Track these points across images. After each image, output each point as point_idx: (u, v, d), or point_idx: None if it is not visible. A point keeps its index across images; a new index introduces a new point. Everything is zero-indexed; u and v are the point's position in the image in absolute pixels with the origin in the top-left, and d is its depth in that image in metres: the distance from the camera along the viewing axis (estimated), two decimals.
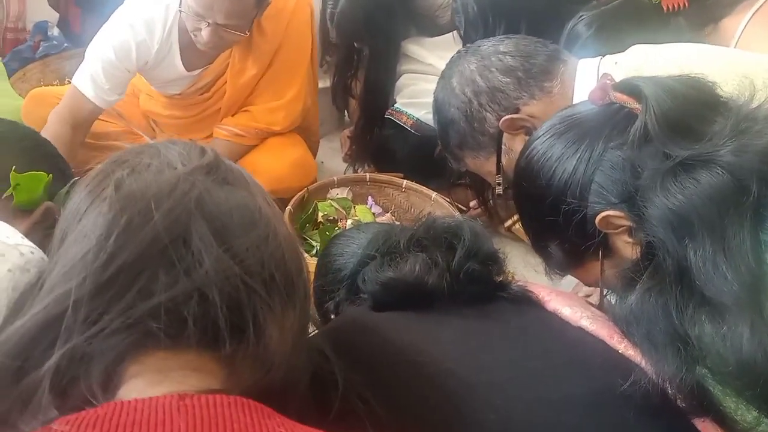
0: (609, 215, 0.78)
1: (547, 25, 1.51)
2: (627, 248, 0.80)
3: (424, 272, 0.80)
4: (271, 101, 1.93)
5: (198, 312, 0.52)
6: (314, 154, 2.19)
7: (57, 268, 0.56)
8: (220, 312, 0.53)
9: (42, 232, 0.88)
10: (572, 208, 0.81)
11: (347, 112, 2.49)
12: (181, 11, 1.65)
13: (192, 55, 1.80)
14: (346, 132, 2.41)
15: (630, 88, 0.80)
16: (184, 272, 0.53)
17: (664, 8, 1.44)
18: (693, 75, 0.80)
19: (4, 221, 0.76)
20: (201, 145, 0.66)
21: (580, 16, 1.47)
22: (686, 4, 1.45)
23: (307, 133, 2.14)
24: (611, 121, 0.81)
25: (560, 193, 0.82)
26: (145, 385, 0.52)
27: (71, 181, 0.95)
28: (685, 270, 0.67)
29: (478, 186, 1.72)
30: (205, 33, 1.62)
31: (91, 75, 1.71)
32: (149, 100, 2.00)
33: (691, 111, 0.75)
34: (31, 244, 0.68)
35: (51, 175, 0.90)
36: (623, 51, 1.19)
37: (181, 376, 0.52)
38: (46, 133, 1.61)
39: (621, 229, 0.79)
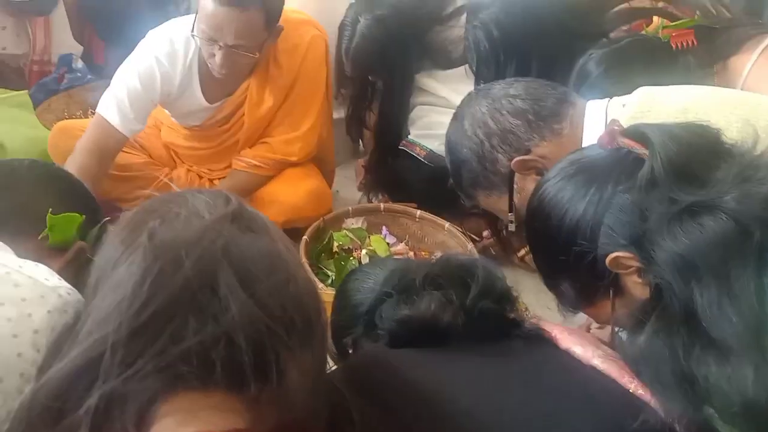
0: (619, 256, 0.81)
1: (557, 63, 1.54)
2: (637, 288, 0.82)
3: (439, 310, 0.83)
4: (287, 133, 1.98)
5: (225, 355, 0.56)
6: (330, 184, 2.23)
7: (94, 314, 0.60)
8: (246, 356, 0.56)
9: (74, 270, 0.93)
10: (583, 248, 0.84)
11: (361, 142, 2.53)
12: (194, 35, 1.71)
13: (212, 86, 1.86)
14: (361, 161, 2.45)
15: (637, 134, 0.83)
16: (212, 317, 0.57)
17: (673, 46, 1.47)
18: (698, 122, 0.84)
19: (39, 260, 0.80)
20: (225, 194, 0.70)
21: (590, 54, 1.50)
22: (695, 43, 1.48)
23: (322, 163, 2.18)
24: (620, 165, 0.84)
25: (571, 234, 0.85)
26: (175, 424, 0.55)
27: (102, 221, 1.00)
28: (691, 312, 0.70)
29: (491, 216, 1.75)
30: (218, 56, 1.68)
31: (117, 103, 1.76)
32: (170, 132, 2.06)
33: (696, 157, 0.78)
34: (68, 285, 0.72)
35: (83, 215, 0.94)
36: (633, 88, 1.22)
37: (209, 416, 0.55)
38: (71, 165, 1.68)
39: (631, 269, 0.81)
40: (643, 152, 0.81)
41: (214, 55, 1.69)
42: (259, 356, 0.57)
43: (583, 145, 1.11)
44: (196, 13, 1.69)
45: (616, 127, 0.86)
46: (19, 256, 0.78)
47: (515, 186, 1.21)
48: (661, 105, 1.07)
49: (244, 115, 1.94)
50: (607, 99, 1.16)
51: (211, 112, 1.93)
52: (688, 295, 0.70)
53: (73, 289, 0.72)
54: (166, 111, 1.97)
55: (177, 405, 0.55)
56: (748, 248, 0.69)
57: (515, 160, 1.18)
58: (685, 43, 1.48)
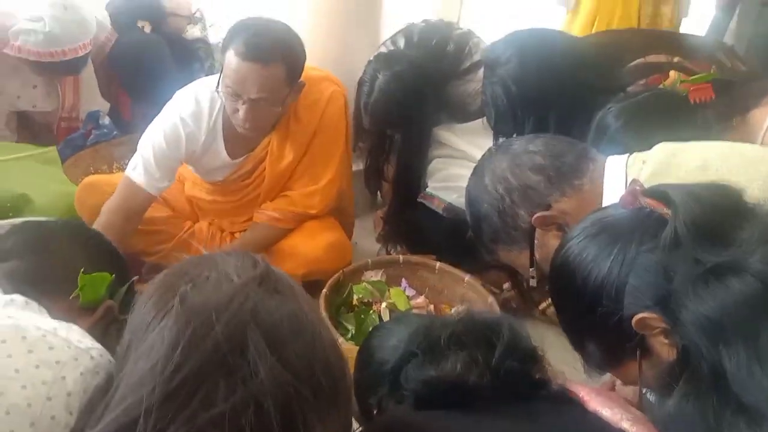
0: (645, 317, 0.81)
1: (575, 117, 1.56)
2: (664, 349, 0.81)
3: (464, 371, 0.83)
4: (307, 186, 2.01)
5: (255, 420, 0.57)
6: (349, 235, 2.25)
7: (127, 378, 0.61)
8: (274, 419, 0.57)
9: (101, 328, 0.94)
10: (609, 309, 0.83)
11: (380, 193, 2.56)
12: (218, 91, 1.77)
13: (235, 143, 1.91)
14: (379, 213, 2.47)
15: (660, 194, 0.84)
16: (241, 382, 0.58)
17: (692, 101, 1.48)
18: (720, 182, 0.84)
19: (70, 319, 0.81)
20: (253, 256, 0.72)
21: (609, 108, 1.51)
22: (713, 97, 1.49)
23: (342, 214, 2.20)
24: (642, 225, 0.85)
25: (596, 294, 0.85)
26: None
27: (130, 281, 1.01)
28: (720, 375, 0.69)
29: (511, 269, 1.74)
30: (241, 111, 1.73)
31: (144, 164, 1.81)
32: (193, 186, 2.10)
33: (719, 218, 0.79)
34: (99, 347, 0.73)
35: (113, 275, 0.96)
36: (652, 142, 1.22)
37: None
38: (99, 224, 1.72)
39: (657, 330, 0.81)
40: (666, 212, 0.82)
41: (238, 110, 1.74)
42: (287, 419, 0.58)
43: (603, 201, 1.11)
44: (221, 71, 1.75)
45: (637, 188, 0.87)
46: (52, 315, 0.80)
47: (536, 241, 1.21)
48: (681, 161, 1.07)
49: (265, 169, 1.98)
50: (626, 155, 1.17)
51: (234, 168, 1.98)
52: (716, 358, 0.70)
53: (104, 350, 0.73)
54: (190, 167, 2.01)
55: None
56: None
57: (536, 215, 1.18)
58: (703, 97, 1.49)
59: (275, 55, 1.69)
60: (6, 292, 0.81)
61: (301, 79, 1.82)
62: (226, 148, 1.91)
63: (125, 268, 1.05)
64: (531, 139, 1.28)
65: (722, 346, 0.70)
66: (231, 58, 1.69)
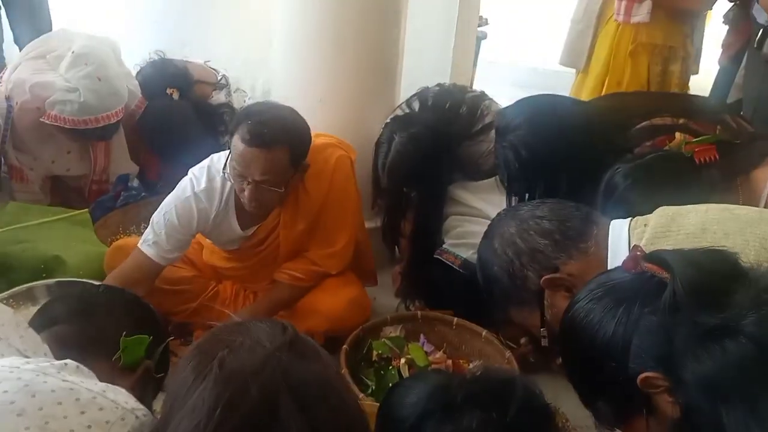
0: (649, 376, 0.86)
1: (585, 178, 1.62)
2: (668, 407, 0.86)
3: (480, 428, 0.88)
4: (324, 248, 2.07)
5: None
6: (371, 281, 2.31)
7: None
8: None
9: (141, 388, 1.00)
10: (615, 368, 0.88)
11: (397, 249, 2.61)
12: (225, 173, 1.85)
13: (246, 216, 1.98)
14: (398, 268, 2.52)
15: (659, 260, 0.90)
16: None
17: (697, 161, 1.53)
18: (716, 248, 0.90)
19: (111, 380, 0.87)
20: (282, 322, 0.78)
21: (617, 169, 1.57)
22: (717, 157, 1.54)
23: (361, 262, 2.26)
24: (644, 288, 0.90)
25: (602, 354, 0.90)
26: None
27: (166, 341, 1.08)
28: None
29: None
30: (247, 191, 1.81)
31: (155, 237, 1.90)
32: (212, 255, 2.18)
33: (716, 282, 0.84)
34: (143, 408, 0.79)
35: (151, 336, 1.03)
36: (658, 201, 1.26)
37: None
38: None
39: (661, 389, 0.86)
40: (666, 276, 0.87)
41: (243, 190, 1.82)
42: None
43: (608, 263, 1.16)
44: (229, 152, 1.85)
45: (638, 253, 0.93)
46: (96, 375, 0.86)
47: (546, 302, 1.25)
48: (680, 225, 1.12)
49: (278, 237, 2.04)
50: (629, 219, 1.23)
51: (246, 238, 2.05)
52: (716, 416, 0.74)
53: (148, 410, 0.79)
54: (206, 237, 2.09)
55: None
56: None
57: (544, 278, 1.23)
58: (708, 158, 1.54)
59: (278, 140, 1.77)
60: (55, 355, 0.88)
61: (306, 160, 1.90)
62: (238, 221, 1.99)
63: (162, 329, 1.12)
64: (538, 204, 1.34)
65: (721, 404, 0.74)
66: (237, 143, 1.78)
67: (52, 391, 0.73)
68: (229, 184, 1.91)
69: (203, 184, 1.92)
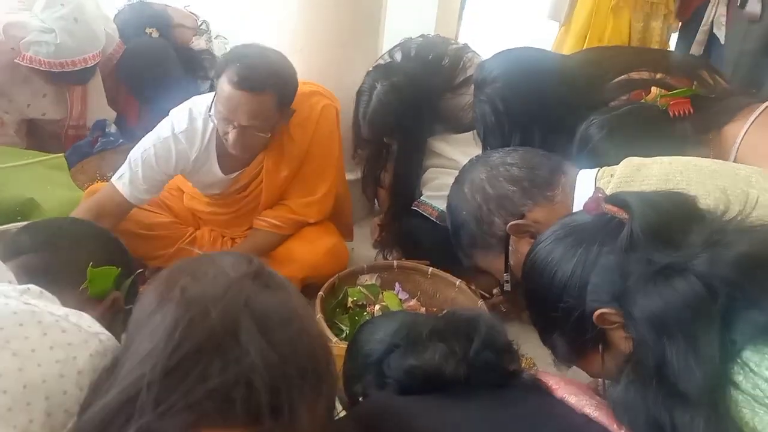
0: (604, 312, 0.88)
1: (559, 131, 1.63)
2: (622, 342, 0.89)
3: (442, 361, 0.91)
4: (304, 197, 2.08)
5: (244, 394, 0.64)
6: (348, 236, 2.32)
7: (132, 358, 0.69)
8: (263, 396, 0.64)
9: (110, 318, 1.02)
10: (572, 305, 0.91)
11: (377, 201, 2.63)
12: (211, 115, 1.83)
13: (228, 160, 1.96)
14: (376, 220, 2.54)
15: (619, 201, 0.92)
16: (234, 360, 0.65)
17: (671, 114, 1.55)
18: (676, 191, 0.92)
19: (79, 309, 0.89)
20: (248, 256, 0.79)
21: (592, 120, 1.58)
22: (691, 111, 1.56)
23: (340, 216, 2.27)
24: (604, 229, 0.92)
25: (561, 292, 0.92)
26: None
27: (135, 273, 1.09)
28: (662, 365, 0.76)
29: None
30: (231, 135, 1.78)
31: (130, 176, 1.87)
32: (192, 200, 2.17)
33: (672, 222, 0.86)
34: (106, 332, 0.80)
35: (119, 268, 1.04)
36: (631, 153, 1.29)
37: None
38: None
39: (616, 325, 0.88)
40: (625, 217, 0.89)
41: (228, 134, 1.80)
42: (273, 396, 0.65)
43: (573, 211, 1.18)
44: (215, 94, 1.81)
45: (600, 195, 0.95)
46: (63, 305, 0.87)
47: (510, 248, 1.27)
48: (645, 175, 1.14)
49: (261, 183, 2.04)
50: (597, 169, 1.24)
51: (229, 183, 2.04)
52: (660, 349, 0.77)
53: (111, 335, 0.80)
54: (187, 180, 2.07)
55: None
56: (714, 308, 0.76)
57: (510, 223, 1.25)
58: (682, 112, 1.55)
59: (266, 85, 1.74)
60: (20, 284, 0.89)
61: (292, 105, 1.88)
62: (219, 165, 1.97)
63: (130, 262, 1.13)
64: (509, 151, 1.35)
65: (665, 339, 0.77)
66: (224, 85, 1.74)
67: (13, 313, 0.73)
68: (211, 126, 1.88)
69: (184, 125, 1.89)
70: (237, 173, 2.02)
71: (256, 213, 2.09)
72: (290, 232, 2.10)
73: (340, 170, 2.21)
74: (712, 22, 2.70)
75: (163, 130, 1.90)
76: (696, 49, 2.75)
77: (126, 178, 1.88)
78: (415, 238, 2.26)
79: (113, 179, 1.90)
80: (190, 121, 1.90)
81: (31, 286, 0.81)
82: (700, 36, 2.74)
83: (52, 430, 0.70)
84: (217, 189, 2.07)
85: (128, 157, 1.91)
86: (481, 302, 1.93)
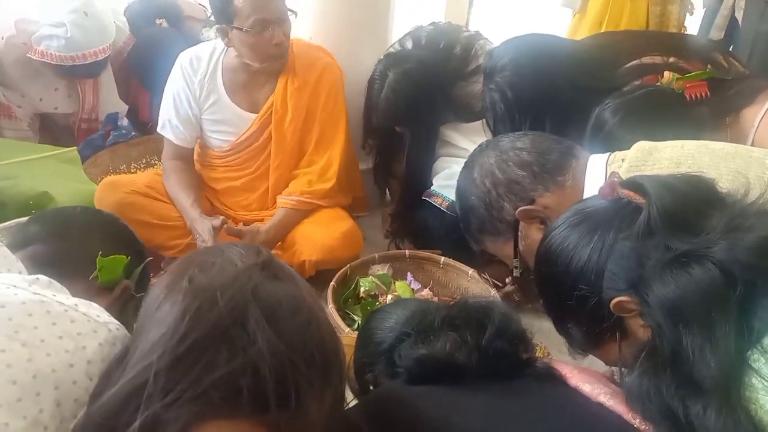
0: (621, 300, 0.86)
1: (570, 118, 1.60)
2: (640, 331, 0.87)
3: (454, 350, 0.89)
4: (317, 162, 2.16)
5: (251, 383, 0.63)
6: (363, 208, 2.47)
7: (141, 347, 0.68)
8: (269, 383, 0.63)
9: (119, 306, 1.01)
10: (588, 293, 0.89)
11: (388, 190, 2.62)
12: (247, 30, 1.89)
13: (237, 93, 2.09)
14: (388, 210, 2.53)
15: (635, 185, 0.89)
16: (241, 349, 0.65)
17: (687, 98, 1.52)
18: (693, 173, 0.89)
19: (89, 298, 0.88)
20: (257, 246, 0.79)
21: (607, 104, 1.56)
22: (708, 94, 1.53)
23: (352, 188, 2.35)
24: (620, 214, 0.90)
25: (577, 279, 0.90)
26: None
27: (144, 261, 1.09)
28: (678, 353, 0.75)
29: None
30: (276, 33, 1.92)
31: (169, 125, 2.13)
32: (205, 168, 2.26)
33: (690, 207, 0.84)
34: (116, 321, 0.80)
35: (129, 257, 1.03)
36: (647, 137, 1.26)
37: None
38: (167, 176, 2.16)
39: (633, 313, 0.86)
40: (641, 202, 0.87)
41: (272, 38, 1.91)
42: (280, 385, 0.64)
43: (584, 197, 1.16)
44: (229, 31, 1.92)
45: (615, 179, 0.92)
46: (73, 295, 0.87)
47: (520, 233, 1.25)
48: (656, 159, 1.12)
49: (270, 136, 2.12)
50: (608, 153, 1.22)
51: (240, 123, 2.12)
52: (676, 338, 0.75)
53: (121, 324, 0.80)
54: (202, 127, 2.16)
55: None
56: (731, 297, 0.74)
57: (520, 209, 1.23)
58: (698, 95, 1.52)
59: None
60: (30, 274, 0.88)
61: (296, 46, 2.09)
62: (228, 95, 2.08)
63: (140, 250, 1.13)
64: (519, 136, 1.33)
65: (681, 328, 0.75)
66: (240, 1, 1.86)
67: (22, 303, 0.73)
68: (217, 51, 2.06)
69: (188, 57, 2.09)
70: (250, 115, 2.11)
71: (266, 182, 2.17)
72: (313, 207, 2.15)
73: (346, 136, 2.23)
74: (733, 6, 2.65)
75: (173, 70, 2.11)
76: (716, 34, 2.71)
77: (168, 128, 2.14)
78: (426, 227, 2.24)
79: (160, 131, 2.18)
80: (193, 51, 2.10)
81: (41, 276, 0.80)
82: (720, 20, 2.70)
83: (62, 420, 0.70)
84: (231, 134, 2.14)
85: (161, 106, 2.15)
86: (494, 291, 1.92)
